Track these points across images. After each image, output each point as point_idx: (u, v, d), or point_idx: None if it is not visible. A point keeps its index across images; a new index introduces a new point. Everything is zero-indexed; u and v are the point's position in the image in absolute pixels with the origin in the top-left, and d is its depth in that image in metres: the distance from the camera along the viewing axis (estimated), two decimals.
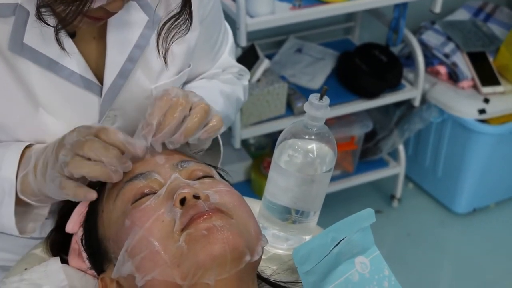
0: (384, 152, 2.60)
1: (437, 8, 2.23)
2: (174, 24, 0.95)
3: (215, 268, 0.77)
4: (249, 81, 2.12)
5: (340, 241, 0.93)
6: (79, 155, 0.84)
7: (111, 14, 0.89)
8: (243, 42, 1.95)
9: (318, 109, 0.93)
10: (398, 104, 2.57)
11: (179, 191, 0.82)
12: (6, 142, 0.98)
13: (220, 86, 1.17)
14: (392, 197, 2.73)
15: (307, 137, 0.96)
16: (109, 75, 0.99)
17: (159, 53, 0.98)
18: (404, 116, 2.59)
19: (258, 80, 2.17)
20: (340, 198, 2.56)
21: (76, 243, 0.99)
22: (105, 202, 0.89)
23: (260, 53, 2.19)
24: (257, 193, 2.45)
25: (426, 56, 2.50)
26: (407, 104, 2.55)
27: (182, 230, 0.79)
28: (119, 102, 1.02)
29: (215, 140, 1.10)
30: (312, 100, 0.93)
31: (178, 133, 0.90)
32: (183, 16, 0.95)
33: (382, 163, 2.65)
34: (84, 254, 0.94)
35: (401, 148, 2.61)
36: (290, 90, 2.25)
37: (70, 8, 0.81)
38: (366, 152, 2.62)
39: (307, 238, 1.05)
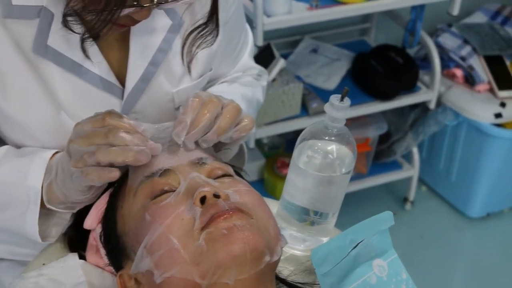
0: (398, 154, 2.59)
1: (455, 11, 2.21)
2: (201, 34, 0.95)
3: (235, 268, 0.77)
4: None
5: (359, 243, 0.93)
6: (104, 144, 0.84)
7: (137, 21, 0.90)
8: (260, 42, 1.95)
9: (338, 110, 0.92)
10: (413, 107, 2.56)
11: (199, 189, 0.81)
12: (33, 149, 0.99)
13: (241, 90, 1.17)
14: (405, 199, 2.72)
15: (327, 138, 0.95)
16: (131, 79, 1.00)
17: (183, 62, 0.97)
18: (419, 118, 2.57)
19: (274, 80, 2.16)
20: (353, 199, 2.54)
21: (94, 240, 0.99)
22: (125, 197, 0.89)
23: (276, 53, 2.19)
24: (270, 193, 2.44)
25: (442, 59, 2.48)
26: (422, 106, 2.54)
27: (202, 229, 0.79)
28: (140, 105, 1.03)
29: (240, 146, 1.10)
30: (332, 101, 0.92)
31: (211, 131, 0.90)
32: (209, 27, 0.95)
33: (396, 166, 2.64)
34: (103, 251, 0.94)
35: (415, 150, 2.60)
36: (305, 90, 2.24)
37: (99, 17, 0.81)
38: (380, 154, 2.61)
39: (325, 239, 1.04)
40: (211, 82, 1.20)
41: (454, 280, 2.51)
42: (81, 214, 1.01)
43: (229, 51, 1.17)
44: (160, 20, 0.99)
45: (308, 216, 1.00)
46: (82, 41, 0.89)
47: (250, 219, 0.81)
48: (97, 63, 0.97)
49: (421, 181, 2.80)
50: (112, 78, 1.00)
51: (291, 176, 1.00)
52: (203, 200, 0.81)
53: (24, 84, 0.95)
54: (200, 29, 0.94)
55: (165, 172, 0.87)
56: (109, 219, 0.91)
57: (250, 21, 1.93)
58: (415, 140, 2.56)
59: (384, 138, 2.58)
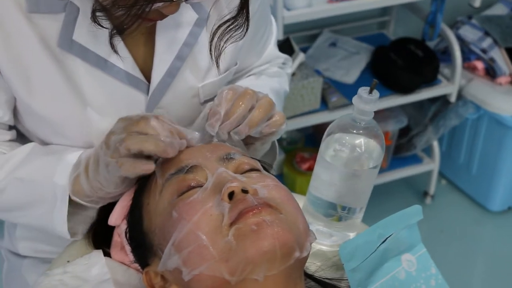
0: (418, 148, 2.56)
1: (477, 2, 2.19)
2: (230, 28, 0.93)
3: (265, 264, 0.76)
4: None
5: (387, 238, 0.91)
6: (135, 131, 0.84)
7: (165, 16, 0.89)
8: (280, 35, 1.94)
9: (367, 103, 0.91)
10: (433, 100, 2.53)
11: (227, 185, 0.80)
12: (60, 147, 0.99)
13: (270, 83, 1.17)
14: (425, 193, 2.70)
15: (355, 131, 0.94)
16: (157, 74, 0.99)
17: (211, 56, 0.96)
18: (439, 112, 2.55)
19: (293, 74, 2.14)
20: (373, 194, 2.49)
21: (119, 236, 0.98)
22: (151, 194, 0.88)
23: (296, 47, 2.17)
24: (290, 188, 2.40)
25: (462, 51, 2.45)
26: (442, 99, 2.51)
27: (231, 224, 0.78)
28: (166, 100, 1.02)
29: (272, 143, 1.09)
30: (361, 94, 0.91)
31: (243, 123, 0.90)
32: (239, 21, 0.93)
33: (416, 159, 2.62)
34: (128, 248, 0.93)
35: (435, 144, 2.58)
36: (324, 85, 2.23)
37: (128, 12, 0.80)
38: (400, 148, 2.59)
39: (352, 235, 1.03)
40: (237, 74, 1.19)
41: (475, 274, 2.49)
42: (105, 210, 1.00)
43: (255, 43, 1.16)
44: (186, 14, 0.98)
45: (335, 211, 0.99)
46: (111, 36, 0.88)
47: (279, 214, 0.80)
48: (123, 58, 0.96)
49: (441, 174, 2.78)
50: (138, 73, 0.99)
51: (317, 170, 0.98)
52: (231, 195, 0.80)
53: (50, 79, 0.94)
54: (228, 23, 0.92)
55: (192, 168, 0.86)
56: (135, 216, 0.90)
57: None
58: (436, 134, 2.54)
59: (404, 132, 2.56)
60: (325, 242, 1.02)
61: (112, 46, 0.90)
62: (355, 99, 0.92)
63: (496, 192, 2.62)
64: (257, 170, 0.88)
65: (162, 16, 0.88)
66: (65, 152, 0.97)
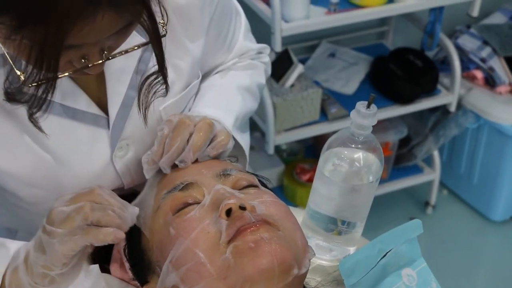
0: (418, 158, 2.56)
1: (475, 12, 2.19)
2: (156, 81, 0.88)
3: (263, 281, 0.75)
4: (283, 86, 2.12)
5: (387, 252, 0.91)
6: (87, 201, 0.80)
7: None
8: (278, 47, 1.93)
9: (365, 118, 0.90)
10: (432, 110, 2.53)
11: (224, 201, 0.80)
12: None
13: (237, 80, 1.12)
14: (427, 203, 2.69)
15: (353, 145, 0.93)
16: (113, 106, 0.95)
17: (139, 111, 0.91)
18: (439, 121, 2.55)
19: (292, 86, 2.14)
20: (373, 204, 2.49)
21: (118, 252, 0.98)
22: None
23: (294, 58, 2.17)
24: (290, 200, 2.43)
25: (462, 61, 2.46)
26: (442, 109, 2.51)
27: (229, 242, 0.77)
28: (129, 130, 0.98)
29: (239, 147, 1.06)
30: (359, 108, 0.90)
31: (186, 150, 0.89)
32: (160, 79, 0.88)
33: (417, 170, 2.61)
34: (127, 265, 0.92)
35: (436, 154, 2.57)
36: (323, 96, 2.22)
37: (36, 95, 0.74)
38: (400, 158, 2.58)
39: (352, 249, 1.02)
40: (209, 73, 1.14)
41: (477, 284, 2.48)
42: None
43: (221, 41, 1.10)
44: (132, 40, 0.84)
45: (335, 226, 0.98)
46: (30, 115, 0.79)
47: (277, 231, 0.79)
48: (76, 98, 0.91)
49: (442, 184, 2.77)
50: (95, 109, 0.94)
51: (316, 184, 0.98)
52: (228, 212, 0.79)
53: (7, 135, 0.89)
54: (153, 76, 0.87)
55: (187, 185, 0.86)
56: (133, 234, 0.89)
57: (268, 27, 1.92)
58: (436, 144, 2.53)
59: (404, 142, 2.56)
60: (325, 256, 1.01)
61: (35, 123, 0.81)
62: (353, 114, 0.91)
63: (497, 202, 2.61)
64: (255, 186, 0.88)
65: (86, 74, 0.82)
66: (7, 241, 0.90)
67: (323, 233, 0.99)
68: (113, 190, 0.99)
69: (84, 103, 0.93)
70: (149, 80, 0.88)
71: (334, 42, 2.56)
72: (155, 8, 0.77)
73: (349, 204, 0.96)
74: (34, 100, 0.75)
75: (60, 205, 0.80)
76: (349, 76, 2.39)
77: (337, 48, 2.52)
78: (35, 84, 0.72)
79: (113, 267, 0.96)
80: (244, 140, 1.09)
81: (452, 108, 2.42)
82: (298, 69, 2.13)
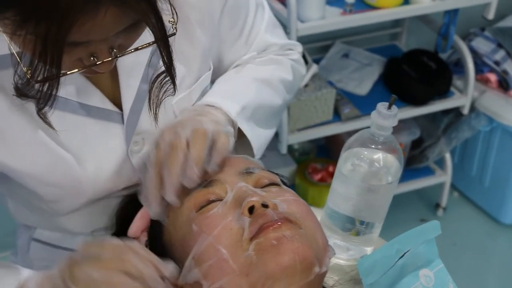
0: (430, 160, 2.56)
1: (491, 15, 2.18)
2: (165, 80, 0.86)
3: (285, 279, 0.76)
4: None
5: (405, 253, 0.91)
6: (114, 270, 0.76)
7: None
8: None
9: (386, 118, 0.91)
10: (445, 112, 2.53)
11: (247, 199, 0.81)
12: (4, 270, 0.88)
13: (253, 73, 1.09)
14: (437, 205, 2.69)
15: (373, 146, 0.94)
16: (127, 101, 0.95)
17: (150, 109, 0.90)
18: (451, 124, 2.55)
19: (306, 86, 2.15)
20: None
21: None
22: (170, 207, 0.88)
23: (309, 58, 2.17)
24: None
25: (475, 63, 2.45)
26: (455, 111, 2.51)
27: (251, 239, 0.78)
28: (142, 125, 0.97)
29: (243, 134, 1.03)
30: (380, 109, 0.91)
31: (188, 168, 0.85)
32: (168, 78, 0.86)
33: (428, 171, 2.61)
34: None
35: (447, 156, 2.57)
36: (337, 96, 2.23)
37: (42, 90, 0.74)
38: (412, 160, 2.58)
39: (368, 249, 1.03)
40: (227, 68, 1.12)
41: (487, 287, 2.47)
42: (124, 222, 1.01)
43: (237, 33, 1.08)
44: (144, 37, 0.82)
45: (352, 225, 0.99)
46: (39, 110, 0.77)
47: (299, 229, 0.80)
48: (90, 93, 0.92)
49: (452, 186, 2.77)
50: (108, 105, 0.94)
51: (335, 184, 0.99)
52: (251, 209, 0.80)
53: (20, 132, 0.89)
54: (163, 75, 0.86)
55: (210, 182, 0.86)
56: (155, 230, 0.90)
57: (284, 27, 1.92)
58: (448, 146, 2.53)
59: (416, 144, 2.56)
60: (342, 256, 1.02)
61: (43, 118, 0.80)
62: (373, 114, 0.92)
63: (509, 205, 2.60)
64: (277, 184, 0.89)
65: (97, 73, 0.81)
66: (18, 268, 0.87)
67: (341, 233, 1.00)
68: (131, 186, 1.01)
69: (98, 99, 0.93)
70: (159, 79, 0.86)
71: (347, 42, 2.56)
72: (164, 6, 0.75)
73: (367, 204, 0.97)
74: (41, 95, 0.74)
75: (83, 268, 0.76)
76: (363, 76, 2.40)
77: (351, 49, 2.52)
78: (41, 80, 0.72)
79: None
80: (255, 133, 1.05)
81: (465, 111, 2.42)
82: (313, 69, 2.14)
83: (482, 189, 2.67)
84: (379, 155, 0.94)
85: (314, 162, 2.49)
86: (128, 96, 0.95)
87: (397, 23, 2.65)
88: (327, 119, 2.21)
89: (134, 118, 0.96)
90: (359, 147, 0.95)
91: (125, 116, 0.96)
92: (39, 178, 0.94)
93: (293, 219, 0.81)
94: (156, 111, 0.91)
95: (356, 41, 2.59)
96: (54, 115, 0.82)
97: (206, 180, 0.87)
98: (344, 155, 0.96)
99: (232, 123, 0.99)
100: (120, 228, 1.01)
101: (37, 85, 0.73)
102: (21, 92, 0.76)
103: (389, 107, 0.91)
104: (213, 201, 0.84)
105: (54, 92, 0.74)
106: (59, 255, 1.12)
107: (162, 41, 0.76)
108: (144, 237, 0.94)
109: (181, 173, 0.86)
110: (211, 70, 1.06)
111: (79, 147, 0.94)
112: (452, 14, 2.27)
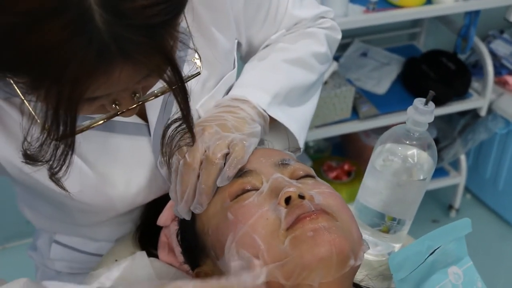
0: (445, 161, 2.55)
1: None
2: (180, 129, 0.84)
3: (321, 270, 0.75)
4: None
5: (435, 249, 0.91)
6: None
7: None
8: None
9: (422, 114, 0.91)
10: (462, 113, 2.53)
11: (284, 189, 0.80)
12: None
13: (282, 54, 1.05)
14: (450, 207, 2.69)
15: (407, 142, 0.94)
16: (152, 112, 0.93)
17: (163, 158, 0.88)
18: (468, 125, 2.54)
19: (326, 83, 2.15)
20: None
21: (165, 237, 0.99)
22: None
23: None
24: None
25: (494, 66, 2.44)
26: (472, 113, 2.50)
27: (287, 229, 0.78)
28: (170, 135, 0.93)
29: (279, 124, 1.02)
30: (417, 105, 0.91)
31: (197, 195, 0.86)
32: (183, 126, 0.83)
33: (443, 172, 2.60)
34: (178, 249, 0.93)
35: (462, 158, 2.57)
36: (355, 94, 2.22)
37: (55, 155, 0.71)
38: None
39: (397, 246, 1.03)
40: (258, 49, 1.09)
41: None
42: (152, 212, 1.01)
43: (263, 14, 1.04)
44: None
45: (382, 221, 0.99)
46: (52, 174, 0.74)
47: (335, 221, 0.80)
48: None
49: (466, 188, 2.76)
50: (135, 118, 0.93)
51: (367, 179, 0.98)
52: (287, 200, 0.80)
53: None
54: (178, 122, 0.83)
55: (246, 172, 0.86)
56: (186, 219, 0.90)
57: None
58: (464, 147, 2.53)
59: None
60: (370, 251, 1.02)
61: (55, 182, 0.76)
62: (410, 110, 0.91)
63: None
64: (312, 176, 0.88)
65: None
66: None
67: (370, 228, 1.00)
68: (161, 197, 1.00)
69: None
70: (173, 126, 0.83)
71: (366, 41, 2.55)
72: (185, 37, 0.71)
73: (398, 200, 0.97)
74: (54, 159, 0.71)
75: None
76: (381, 76, 2.39)
77: (369, 48, 2.52)
78: (55, 141, 0.68)
79: (162, 252, 0.98)
80: (292, 116, 1.03)
81: (483, 113, 2.41)
82: (333, 66, 2.13)
83: (496, 192, 2.66)
84: (413, 151, 0.94)
85: (329, 160, 2.49)
86: (153, 107, 0.93)
87: (416, 23, 2.65)
88: (345, 116, 2.20)
89: (160, 129, 0.93)
90: (392, 143, 0.95)
91: (152, 128, 0.95)
92: (70, 196, 0.90)
93: (329, 211, 0.80)
94: (169, 161, 0.89)
95: (374, 40, 2.59)
96: (84, 138, 0.79)
97: (242, 170, 0.86)
98: (377, 150, 0.96)
99: (263, 116, 0.97)
100: (149, 217, 1.02)
101: (50, 149, 0.70)
102: (31, 158, 0.73)
103: (426, 103, 0.90)
104: (248, 190, 0.84)
105: (70, 152, 0.71)
106: (81, 257, 1.12)
107: (180, 94, 0.74)
108: (175, 226, 0.94)
109: (192, 196, 0.86)
110: (235, 69, 1.04)
111: (107, 165, 0.93)
112: (473, 15, 2.27)
